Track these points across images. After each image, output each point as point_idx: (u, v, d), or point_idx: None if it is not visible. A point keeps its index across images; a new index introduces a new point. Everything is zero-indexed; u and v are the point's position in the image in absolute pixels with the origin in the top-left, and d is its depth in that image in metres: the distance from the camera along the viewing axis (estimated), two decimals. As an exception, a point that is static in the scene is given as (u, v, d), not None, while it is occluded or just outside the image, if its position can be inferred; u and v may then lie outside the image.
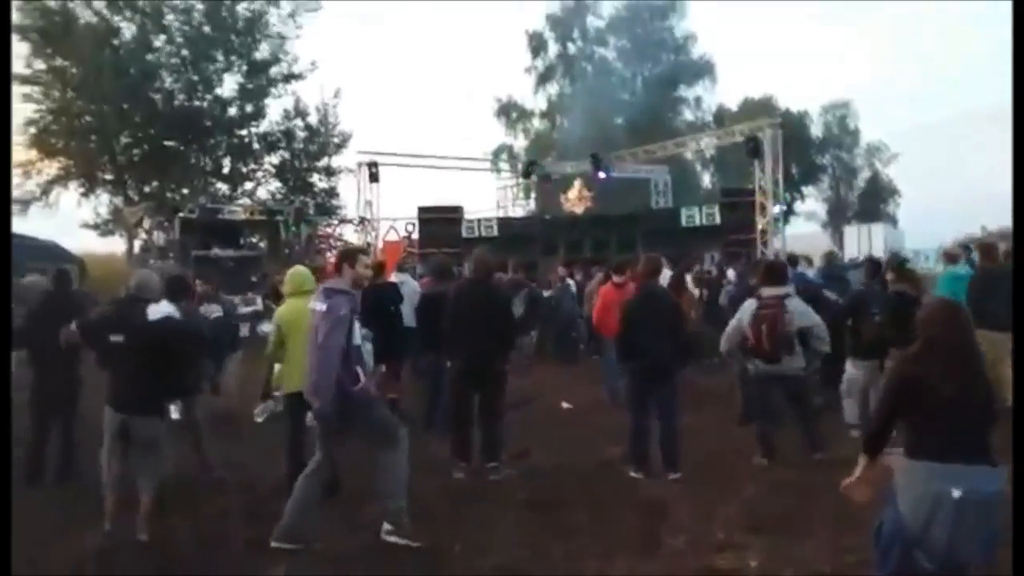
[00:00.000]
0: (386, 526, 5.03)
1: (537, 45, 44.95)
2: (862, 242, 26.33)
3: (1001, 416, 3.45)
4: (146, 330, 5.31)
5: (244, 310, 12.23)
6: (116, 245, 27.77)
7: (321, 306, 5.00)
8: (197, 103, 28.99)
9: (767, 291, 6.90)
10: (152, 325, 5.33)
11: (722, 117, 42.16)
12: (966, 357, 3.29)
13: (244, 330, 10.61)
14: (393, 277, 9.67)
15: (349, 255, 5.44)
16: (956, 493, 3.05)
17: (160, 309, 5.42)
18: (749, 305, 6.91)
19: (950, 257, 9.85)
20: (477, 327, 6.70)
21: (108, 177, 28.49)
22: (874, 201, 46.74)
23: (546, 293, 14.52)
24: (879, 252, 22.19)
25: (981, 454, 3.20)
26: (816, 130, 47.10)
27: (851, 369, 7.57)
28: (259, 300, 15.57)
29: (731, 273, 13.06)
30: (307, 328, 5.18)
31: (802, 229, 41.92)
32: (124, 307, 5.69)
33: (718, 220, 20.16)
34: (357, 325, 5.14)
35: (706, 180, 46.05)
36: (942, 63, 75.97)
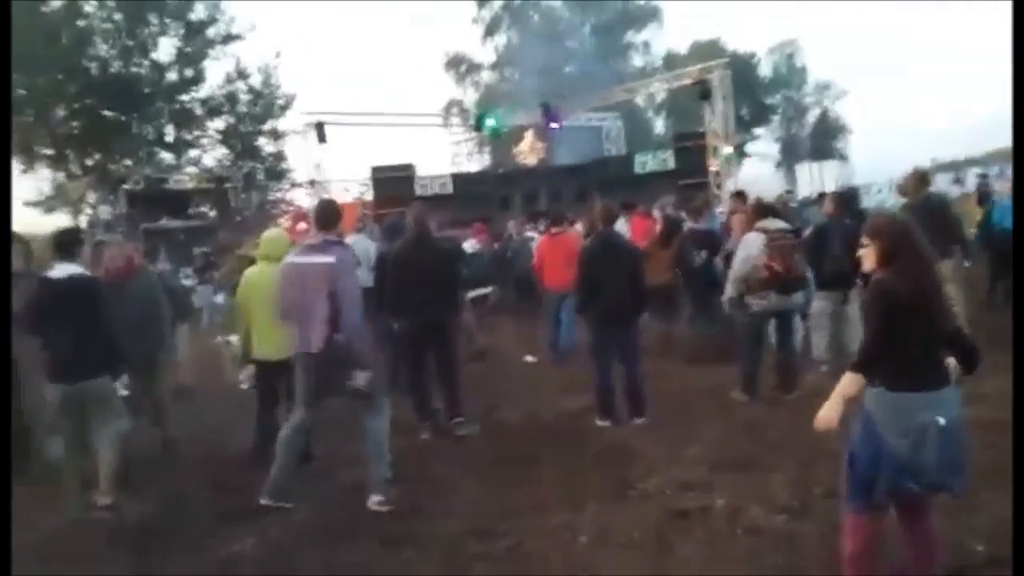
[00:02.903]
0: (374, 497, 5.00)
1: (482, -5, 44.24)
2: (814, 179, 26.62)
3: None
4: (52, 292, 5.13)
5: (187, 282, 11.96)
6: (62, 222, 27.02)
7: (328, 258, 4.94)
8: (134, 69, 28.10)
9: (770, 224, 6.92)
10: (56, 284, 5.14)
11: (671, 62, 42.00)
12: (929, 263, 3.29)
13: (197, 301, 10.41)
14: (350, 238, 9.50)
15: (336, 209, 5.55)
16: (942, 421, 3.10)
17: (60, 270, 5.20)
18: (755, 240, 6.85)
19: (903, 189, 9.94)
20: (421, 284, 6.61)
21: (47, 152, 27.58)
22: (825, 139, 47.18)
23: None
24: (832, 188, 22.42)
25: (944, 375, 3.25)
26: (765, 70, 47.22)
27: (817, 302, 7.61)
28: (215, 275, 15.36)
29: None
30: (270, 296, 5.10)
31: (755, 170, 42.27)
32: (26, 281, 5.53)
33: (672, 165, 20.19)
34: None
35: (659, 125, 46.08)
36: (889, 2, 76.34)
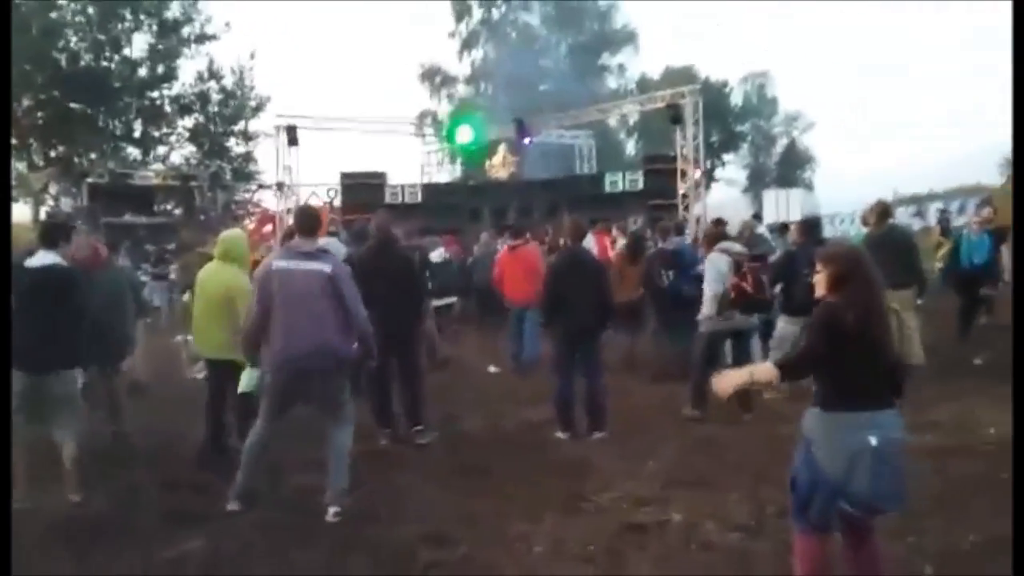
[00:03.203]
0: (333, 509, 4.91)
1: (461, 9, 44.41)
2: (780, 206, 26.94)
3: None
4: (29, 281, 5.03)
5: (144, 278, 11.76)
6: (21, 213, 26.50)
7: (324, 267, 4.93)
8: (105, 64, 27.69)
9: (732, 246, 7.16)
10: (33, 273, 5.05)
11: (645, 85, 42.41)
12: (878, 291, 3.34)
13: (157, 299, 10.24)
14: (320, 241, 9.43)
15: (318, 214, 5.66)
16: (873, 441, 3.13)
17: (39, 259, 5.10)
18: (719, 260, 7.02)
19: (866, 220, 10.16)
20: (383, 291, 6.55)
21: (11, 141, 27.06)
22: (791, 168, 47.88)
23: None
24: (796, 216, 22.73)
25: (887, 398, 3.30)
26: (736, 99, 47.86)
27: (783, 325, 7.71)
28: (172, 270, 15.17)
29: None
30: (220, 294, 5.01)
31: (723, 194, 42.75)
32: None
33: (641, 186, 20.34)
34: None
35: (630, 147, 46.45)
36: (860, 35, 78.07)
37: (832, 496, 3.23)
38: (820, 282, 3.45)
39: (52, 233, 5.32)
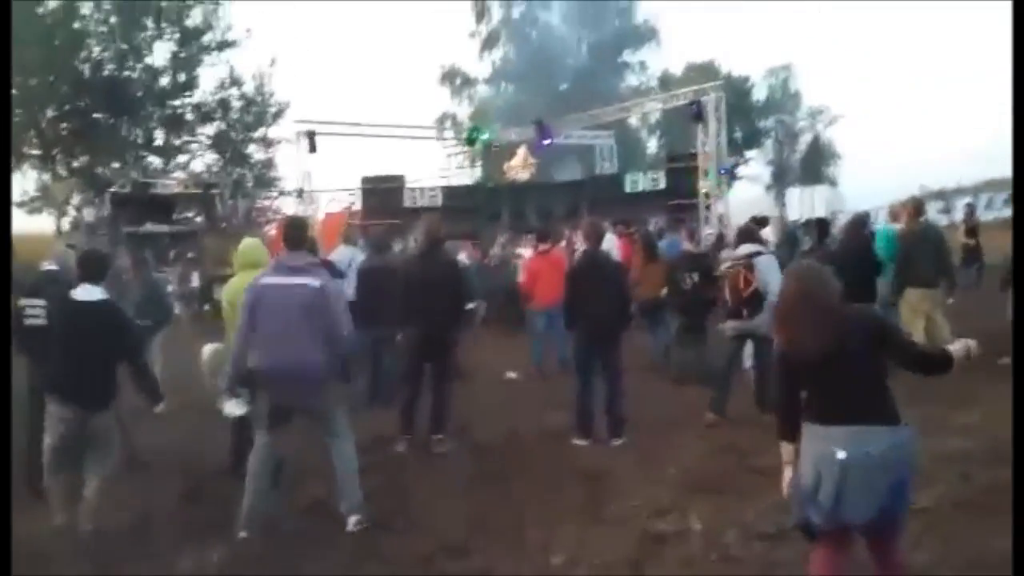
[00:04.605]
0: (354, 518, 4.85)
1: (481, 10, 44.37)
2: (804, 204, 26.69)
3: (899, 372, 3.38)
4: (76, 316, 5.00)
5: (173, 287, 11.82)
6: (45, 223, 26.82)
7: (314, 281, 4.84)
8: (127, 73, 27.94)
9: (740, 250, 7.05)
10: (78, 311, 5.00)
11: (667, 82, 42.14)
12: (811, 307, 3.25)
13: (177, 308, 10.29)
14: (340, 249, 9.43)
15: (304, 223, 5.44)
16: (840, 455, 3.08)
17: (85, 293, 5.03)
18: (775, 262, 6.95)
19: (894, 215, 10.17)
20: (431, 296, 6.54)
21: (35, 152, 27.37)
22: (816, 164, 47.39)
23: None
24: (821, 213, 22.47)
25: (867, 414, 3.17)
26: (759, 94, 47.44)
27: None
28: (195, 277, 15.24)
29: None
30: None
31: (746, 192, 42.35)
32: (45, 284, 5.49)
33: (663, 185, 20.16)
34: None
35: (652, 145, 46.19)
36: (884, 26, 77.13)
37: (806, 509, 3.21)
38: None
39: (94, 266, 5.21)
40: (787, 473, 3.38)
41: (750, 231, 7.40)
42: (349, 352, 5.03)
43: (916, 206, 8.40)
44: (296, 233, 5.20)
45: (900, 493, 3.16)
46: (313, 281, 4.85)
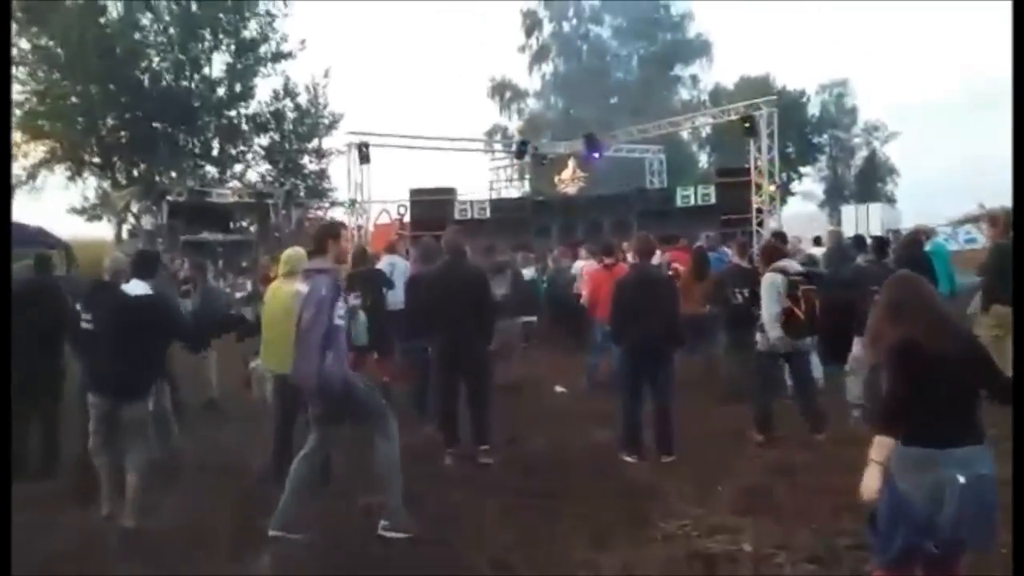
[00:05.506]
0: (383, 522, 4.85)
1: (531, 24, 44.70)
2: (859, 221, 26.14)
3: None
4: (121, 310, 5.17)
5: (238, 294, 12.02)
6: (104, 230, 27.52)
7: (303, 288, 4.89)
8: (184, 83, 28.68)
9: (790, 266, 6.96)
10: (124, 304, 5.17)
11: (718, 96, 41.86)
12: (939, 316, 3.19)
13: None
14: (383, 258, 9.47)
15: (332, 229, 5.23)
16: (961, 479, 2.97)
17: (133, 288, 5.23)
18: (777, 281, 6.79)
19: (992, 220, 9.68)
20: (453, 310, 6.52)
21: (95, 160, 28.20)
22: (871, 180, 46.58)
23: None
24: (876, 231, 22.01)
25: (973, 433, 3.13)
26: (814, 109, 46.80)
27: (859, 347, 7.40)
28: (248, 284, 15.47)
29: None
30: (281, 309, 5.00)
31: (799, 209, 41.73)
32: (95, 291, 5.64)
33: (713, 200, 19.92)
34: (341, 301, 4.93)
35: (702, 160, 45.86)
36: (940, 40, 75.62)
37: (917, 534, 3.08)
38: (875, 314, 3.35)
39: (147, 264, 5.46)
40: (874, 472, 3.20)
41: (776, 249, 7.38)
42: (317, 368, 4.74)
43: (1007, 220, 7.98)
44: (315, 239, 5.21)
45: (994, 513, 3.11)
46: (302, 287, 4.96)
